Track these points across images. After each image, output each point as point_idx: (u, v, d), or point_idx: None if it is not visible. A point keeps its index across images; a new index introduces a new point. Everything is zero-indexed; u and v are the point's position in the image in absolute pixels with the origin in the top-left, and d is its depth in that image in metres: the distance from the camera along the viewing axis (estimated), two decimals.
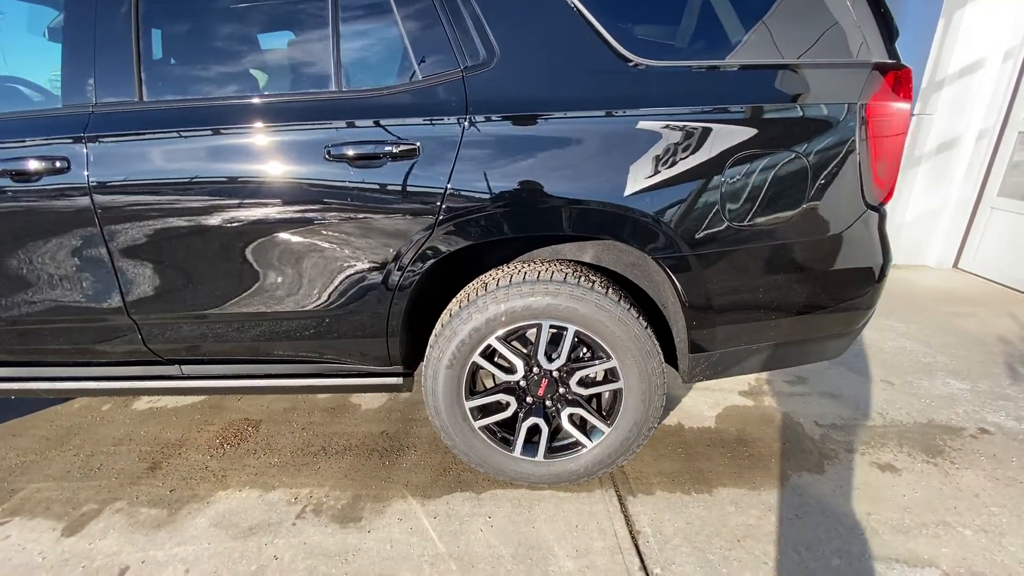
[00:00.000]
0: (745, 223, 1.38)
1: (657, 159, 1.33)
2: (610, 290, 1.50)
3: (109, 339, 1.65)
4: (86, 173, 1.43)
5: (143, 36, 1.44)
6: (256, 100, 1.41)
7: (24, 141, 1.45)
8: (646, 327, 1.52)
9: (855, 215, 1.44)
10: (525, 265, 1.58)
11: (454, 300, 1.60)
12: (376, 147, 1.37)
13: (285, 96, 1.41)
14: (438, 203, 1.39)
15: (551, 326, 1.52)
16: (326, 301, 1.53)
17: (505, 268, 1.59)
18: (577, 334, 1.52)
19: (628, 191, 1.36)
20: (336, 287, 1.51)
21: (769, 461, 1.87)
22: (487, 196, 1.37)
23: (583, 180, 1.35)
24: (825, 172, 1.38)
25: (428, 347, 1.58)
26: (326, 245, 1.46)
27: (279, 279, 1.50)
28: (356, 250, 1.45)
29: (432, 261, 1.45)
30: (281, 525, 1.62)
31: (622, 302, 1.50)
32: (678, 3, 1.42)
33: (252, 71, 1.54)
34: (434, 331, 1.59)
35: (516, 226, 1.40)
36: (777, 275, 1.46)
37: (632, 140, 1.33)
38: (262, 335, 1.61)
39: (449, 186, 1.37)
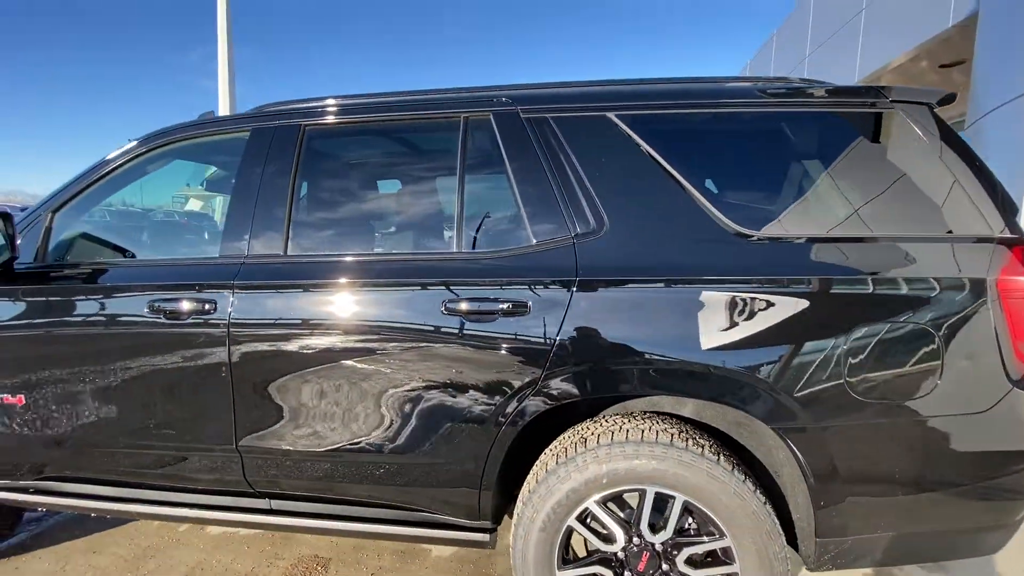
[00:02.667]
0: (876, 397, 1.29)
1: (776, 327, 1.31)
2: (722, 457, 1.40)
3: (213, 468, 1.70)
4: (228, 314, 1.59)
5: (296, 199, 1.67)
6: (384, 258, 1.57)
7: (184, 285, 1.66)
8: (765, 503, 1.38)
9: (1000, 392, 1.31)
10: (625, 420, 1.52)
11: (548, 454, 1.54)
12: (490, 304, 1.44)
13: (410, 256, 1.57)
14: (545, 360, 1.41)
15: (656, 493, 1.42)
16: (427, 449, 1.52)
17: (603, 422, 1.53)
18: (686, 505, 1.40)
19: (746, 358, 1.33)
20: (438, 435, 1.51)
21: None
22: (593, 356, 1.38)
23: (695, 345, 1.34)
24: (958, 347, 1.29)
25: (519, 504, 1.51)
26: (434, 394, 1.49)
27: (388, 424, 1.53)
28: (462, 400, 1.47)
29: (534, 415, 1.44)
30: None
31: (736, 471, 1.38)
32: (782, 175, 1.49)
33: (383, 230, 1.73)
34: (526, 487, 1.52)
35: (621, 384, 1.39)
36: (915, 456, 1.32)
37: (746, 308, 1.33)
38: (358, 477, 1.61)
39: (556, 344, 1.40)
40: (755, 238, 1.38)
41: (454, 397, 1.48)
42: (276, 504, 1.73)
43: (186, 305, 1.62)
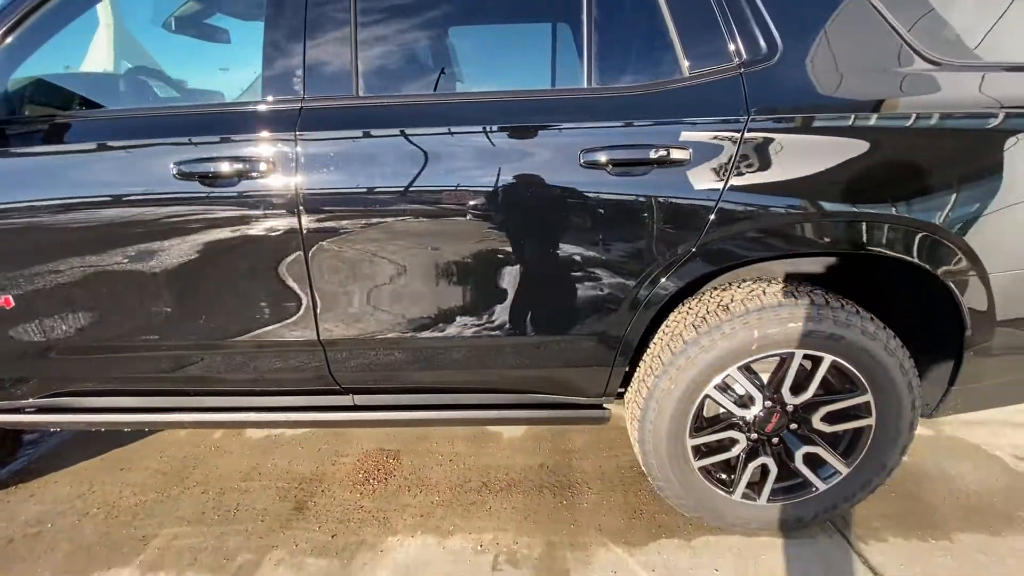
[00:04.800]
0: None
1: (973, 168, 1.18)
2: (873, 316, 1.34)
3: (292, 365, 1.45)
4: (294, 178, 1.23)
5: (361, 24, 1.25)
6: (496, 98, 1.24)
7: (217, 139, 1.26)
8: (910, 357, 1.36)
9: None
10: (765, 284, 1.41)
11: (680, 322, 1.42)
12: (641, 152, 1.19)
13: (529, 93, 1.24)
14: (707, 218, 1.22)
15: (805, 355, 1.35)
16: (555, 327, 1.35)
17: (741, 287, 1.42)
18: (834, 365, 1.35)
19: (931, 206, 1.20)
20: (570, 311, 1.32)
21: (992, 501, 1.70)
22: (769, 210, 1.20)
23: (884, 193, 1.19)
24: None
25: (652, 376, 1.40)
26: (566, 263, 1.28)
27: (508, 301, 1.32)
28: (601, 270, 1.28)
29: (685, 282, 1.28)
30: None
31: (888, 329, 1.33)
32: None
33: (487, 64, 1.36)
34: (656, 359, 1.41)
35: (800, 243, 1.24)
36: None
37: (945, 147, 1.18)
38: (466, 363, 1.42)
39: (721, 199, 1.20)
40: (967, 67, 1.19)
41: (591, 266, 1.28)
42: (360, 399, 1.53)
43: (227, 167, 1.24)
